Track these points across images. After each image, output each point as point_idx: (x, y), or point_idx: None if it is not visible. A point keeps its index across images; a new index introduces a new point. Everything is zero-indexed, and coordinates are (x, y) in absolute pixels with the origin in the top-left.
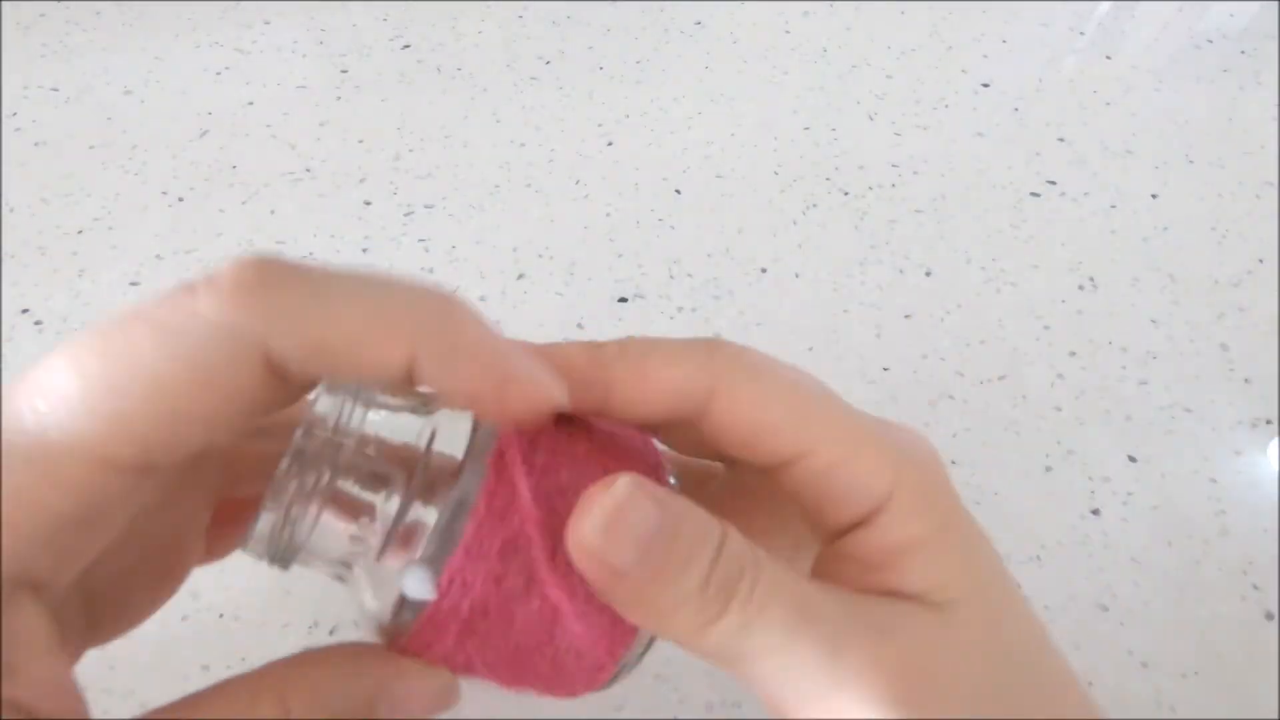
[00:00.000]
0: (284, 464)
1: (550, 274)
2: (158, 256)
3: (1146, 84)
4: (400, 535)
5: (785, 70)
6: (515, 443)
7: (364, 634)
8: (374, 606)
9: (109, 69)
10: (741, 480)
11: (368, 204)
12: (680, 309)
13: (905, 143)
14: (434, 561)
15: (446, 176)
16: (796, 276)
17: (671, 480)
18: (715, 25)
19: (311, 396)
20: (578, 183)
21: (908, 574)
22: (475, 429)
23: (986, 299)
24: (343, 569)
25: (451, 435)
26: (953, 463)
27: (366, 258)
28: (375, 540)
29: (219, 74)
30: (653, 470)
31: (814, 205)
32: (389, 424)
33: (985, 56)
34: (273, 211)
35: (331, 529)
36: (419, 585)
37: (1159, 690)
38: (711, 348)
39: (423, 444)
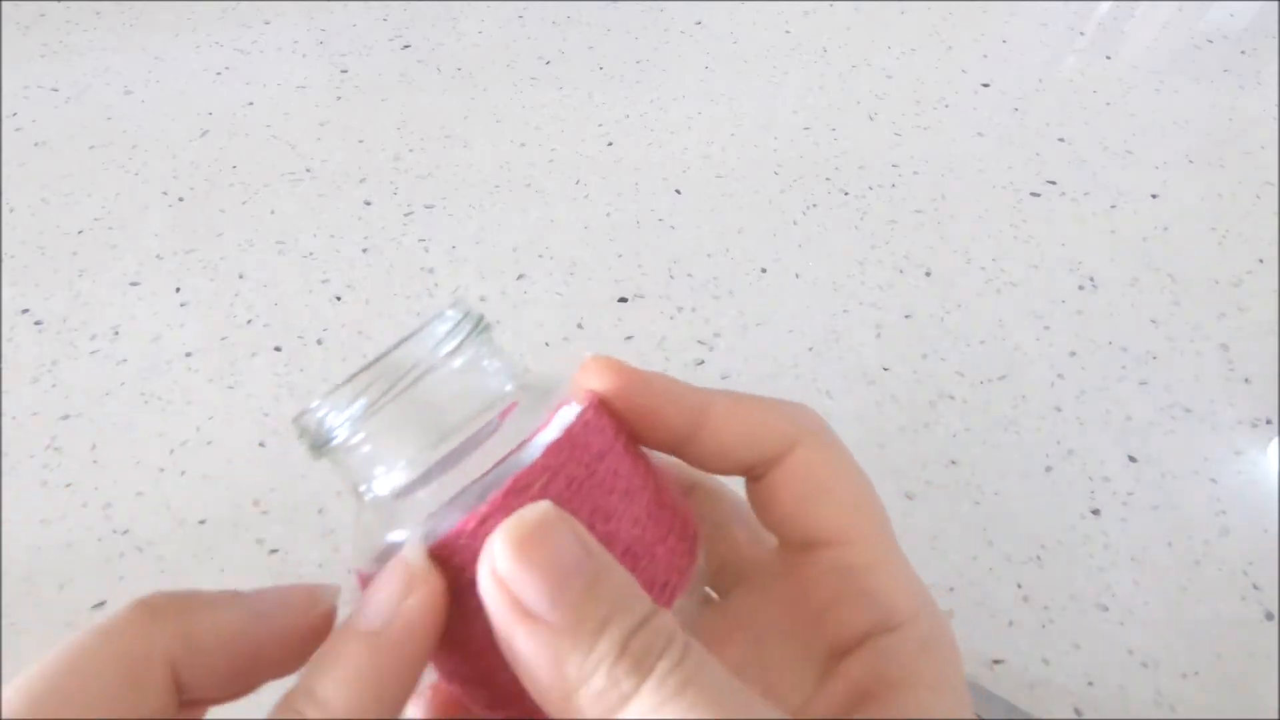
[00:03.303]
0: (371, 365)
1: (550, 274)
2: (158, 256)
3: (1146, 84)
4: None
5: (785, 70)
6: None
7: (355, 558)
8: (390, 537)
9: (109, 69)
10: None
11: (368, 204)
12: (680, 309)
13: (905, 143)
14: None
15: (446, 176)
16: (796, 276)
17: (700, 560)
18: (715, 25)
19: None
20: (578, 183)
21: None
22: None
23: (986, 299)
24: (366, 487)
25: (530, 411)
26: (952, 462)
27: (366, 258)
28: (417, 470)
29: (219, 74)
30: (690, 541)
31: (814, 205)
32: (480, 380)
33: (985, 56)
34: (273, 211)
35: (385, 444)
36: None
37: (1159, 690)
38: (798, 411)
39: (497, 411)
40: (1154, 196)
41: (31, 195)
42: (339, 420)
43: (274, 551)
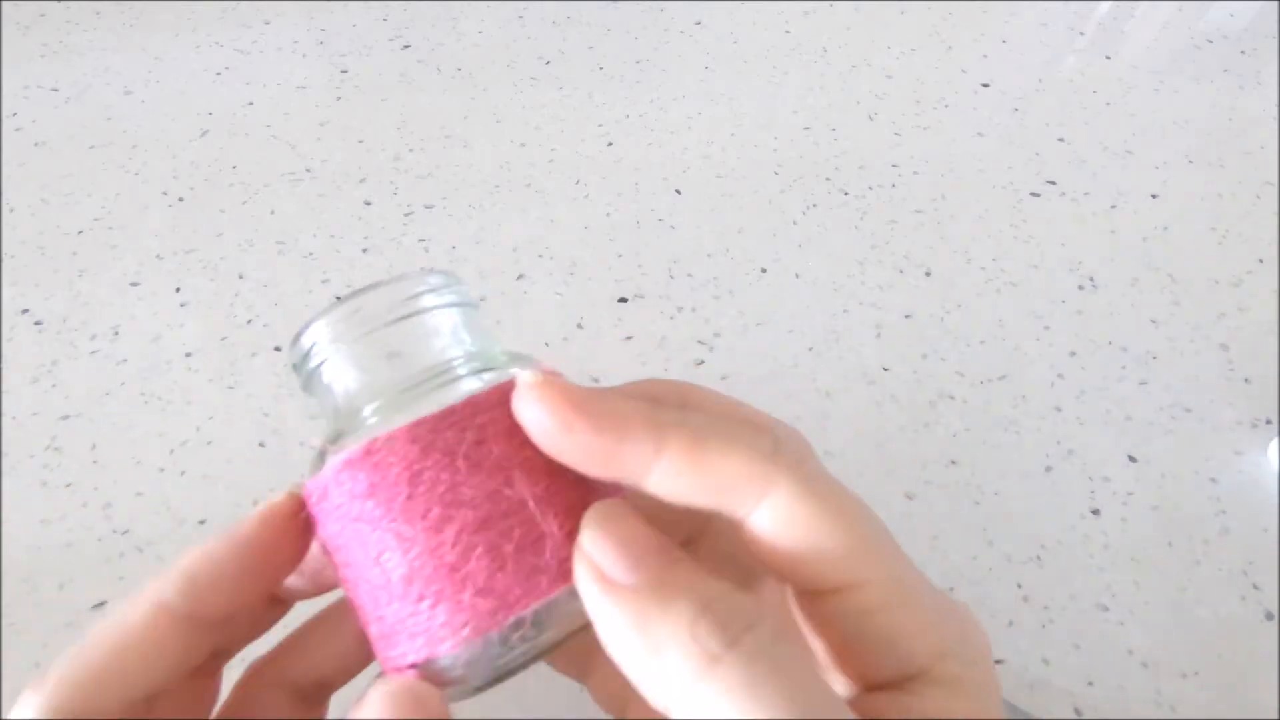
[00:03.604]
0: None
1: (550, 274)
2: (158, 256)
3: (1146, 84)
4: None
5: (785, 70)
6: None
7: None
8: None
9: (109, 69)
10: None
11: (368, 204)
12: (680, 309)
13: (905, 143)
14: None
15: (446, 176)
16: (796, 276)
17: None
18: (715, 25)
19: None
20: (578, 183)
21: None
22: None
23: (986, 299)
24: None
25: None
26: (952, 463)
27: (366, 258)
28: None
29: (219, 74)
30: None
31: (814, 205)
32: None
33: (985, 56)
34: (273, 211)
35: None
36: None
37: (1159, 690)
38: (776, 444)
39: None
40: (1154, 196)
41: (31, 195)
42: (321, 342)
43: None
